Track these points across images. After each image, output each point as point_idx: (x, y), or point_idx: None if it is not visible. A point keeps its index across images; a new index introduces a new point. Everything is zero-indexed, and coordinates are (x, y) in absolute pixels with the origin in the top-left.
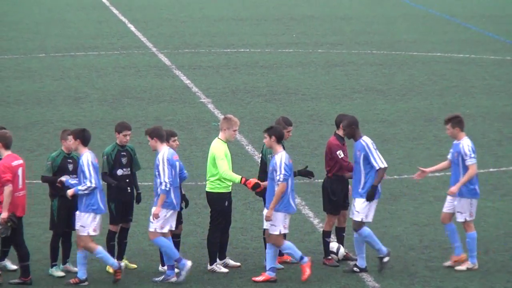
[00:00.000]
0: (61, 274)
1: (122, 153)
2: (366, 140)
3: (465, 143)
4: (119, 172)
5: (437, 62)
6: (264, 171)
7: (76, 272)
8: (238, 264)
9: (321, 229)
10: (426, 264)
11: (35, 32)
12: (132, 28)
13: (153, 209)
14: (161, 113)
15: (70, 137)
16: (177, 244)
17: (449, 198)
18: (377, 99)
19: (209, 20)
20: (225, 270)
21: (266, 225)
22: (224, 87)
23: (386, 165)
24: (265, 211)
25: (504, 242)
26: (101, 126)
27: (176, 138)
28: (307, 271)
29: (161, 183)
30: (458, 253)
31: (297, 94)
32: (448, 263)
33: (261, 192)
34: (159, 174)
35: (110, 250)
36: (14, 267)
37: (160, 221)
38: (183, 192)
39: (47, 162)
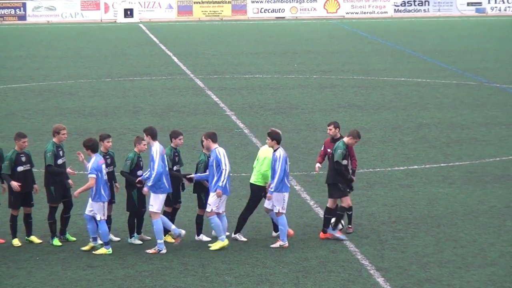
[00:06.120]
0: (139, 242)
1: (175, 154)
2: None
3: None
4: (175, 168)
5: (402, 85)
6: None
7: (148, 240)
8: (245, 239)
9: (316, 209)
10: (393, 235)
11: (104, 62)
12: (176, 59)
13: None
14: (197, 122)
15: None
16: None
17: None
18: (357, 112)
19: (233, 54)
20: (244, 239)
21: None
22: (244, 103)
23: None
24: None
25: (451, 219)
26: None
27: (181, 137)
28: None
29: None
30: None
31: (298, 109)
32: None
33: None
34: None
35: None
36: (117, 238)
37: (216, 203)
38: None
39: (126, 161)
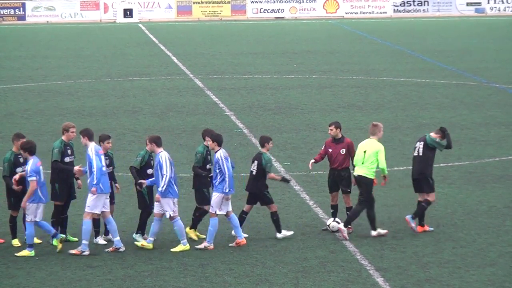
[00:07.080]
0: (141, 240)
1: (207, 152)
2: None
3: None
4: (207, 166)
5: (401, 85)
6: None
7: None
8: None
9: (316, 209)
10: (393, 235)
11: (103, 62)
12: (175, 59)
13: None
14: (197, 122)
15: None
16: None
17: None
18: (356, 112)
19: (232, 54)
20: (381, 231)
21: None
22: (243, 103)
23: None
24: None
25: (450, 219)
26: (152, 132)
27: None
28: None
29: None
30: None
31: (297, 109)
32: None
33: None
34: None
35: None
36: (104, 242)
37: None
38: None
39: (137, 158)
